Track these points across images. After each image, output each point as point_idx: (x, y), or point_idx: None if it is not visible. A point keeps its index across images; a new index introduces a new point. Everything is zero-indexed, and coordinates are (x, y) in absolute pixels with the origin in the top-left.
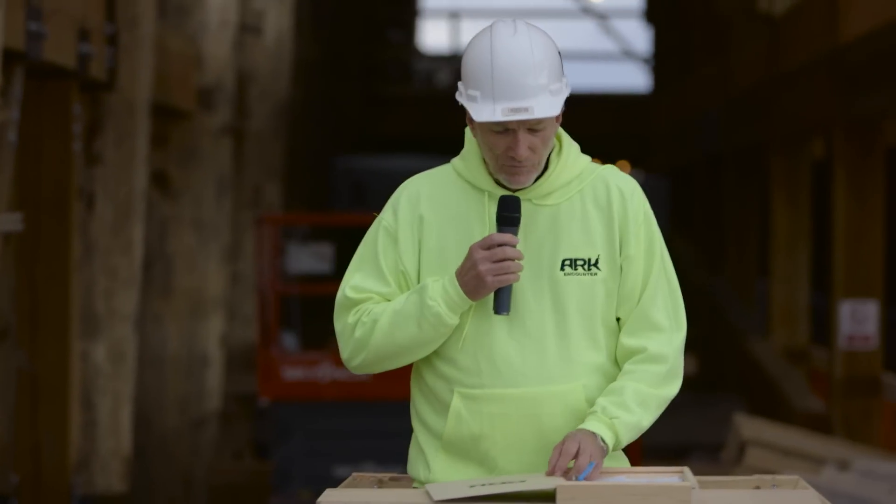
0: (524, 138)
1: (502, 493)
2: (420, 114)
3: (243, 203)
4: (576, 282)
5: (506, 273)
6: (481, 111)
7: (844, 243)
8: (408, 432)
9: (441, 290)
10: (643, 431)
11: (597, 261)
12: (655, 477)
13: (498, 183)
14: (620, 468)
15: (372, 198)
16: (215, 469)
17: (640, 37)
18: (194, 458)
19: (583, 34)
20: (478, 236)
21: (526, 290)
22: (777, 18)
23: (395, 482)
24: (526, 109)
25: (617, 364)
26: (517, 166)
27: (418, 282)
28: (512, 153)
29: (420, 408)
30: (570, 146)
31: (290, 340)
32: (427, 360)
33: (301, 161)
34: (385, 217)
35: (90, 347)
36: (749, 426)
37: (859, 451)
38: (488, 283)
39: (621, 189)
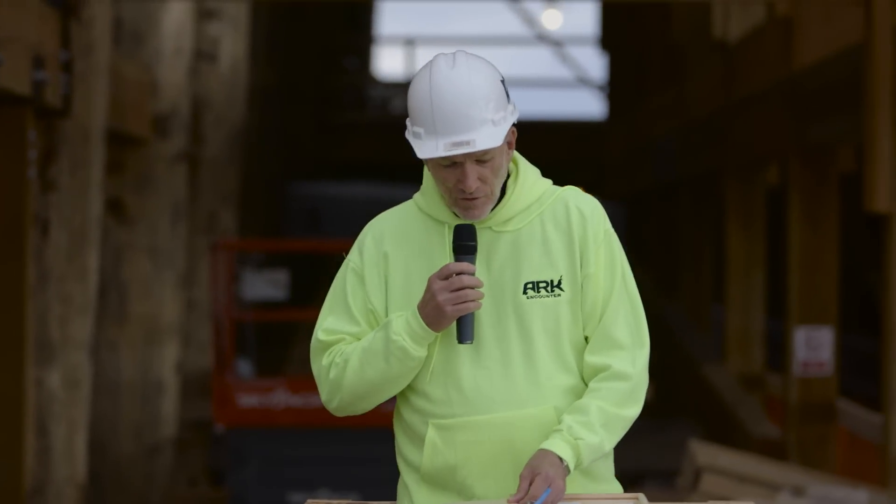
0: (472, 170)
1: None
2: (375, 140)
3: (198, 229)
4: (539, 304)
5: (464, 301)
6: (424, 147)
7: (799, 270)
8: (361, 459)
9: (405, 324)
10: (605, 454)
11: (559, 282)
12: (610, 503)
13: (457, 214)
14: (577, 494)
15: (327, 224)
16: (170, 496)
17: (595, 64)
18: (149, 484)
19: (538, 61)
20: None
21: (491, 316)
22: (731, 46)
23: None
24: (467, 143)
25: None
26: (469, 199)
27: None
28: (462, 186)
29: (401, 444)
30: (528, 170)
31: (245, 367)
32: (403, 395)
33: (256, 187)
34: (352, 258)
35: (45, 374)
36: (704, 452)
37: (814, 476)
38: (448, 313)
39: (580, 209)
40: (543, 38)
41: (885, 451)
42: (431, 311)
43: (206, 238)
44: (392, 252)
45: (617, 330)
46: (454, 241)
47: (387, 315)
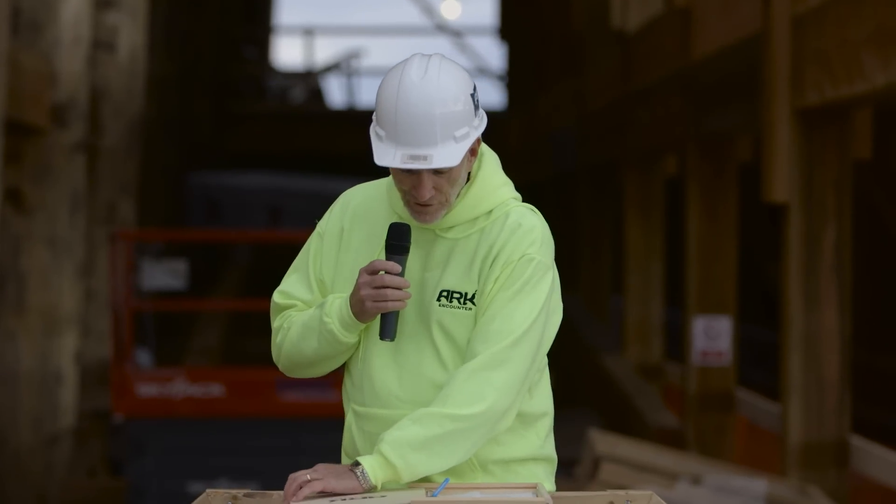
0: (428, 180)
1: None
2: (274, 130)
3: (97, 219)
4: (450, 314)
5: (384, 300)
6: (383, 154)
7: (698, 259)
8: (261, 449)
9: (337, 309)
10: (430, 445)
11: (472, 296)
12: (509, 493)
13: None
14: (476, 484)
15: (226, 214)
16: (69, 486)
17: (494, 54)
18: (48, 475)
19: (437, 51)
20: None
21: (414, 317)
22: (630, 36)
23: (248, 498)
24: (424, 158)
25: None
26: (422, 206)
27: (330, 293)
28: (415, 193)
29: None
30: (486, 180)
31: (144, 357)
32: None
33: (155, 177)
34: (321, 223)
35: None
36: (603, 441)
37: (713, 466)
38: (368, 308)
39: (512, 227)
40: (442, 28)
41: (784, 440)
42: (356, 304)
43: (105, 228)
44: (348, 228)
45: (477, 344)
46: (387, 239)
47: (332, 290)
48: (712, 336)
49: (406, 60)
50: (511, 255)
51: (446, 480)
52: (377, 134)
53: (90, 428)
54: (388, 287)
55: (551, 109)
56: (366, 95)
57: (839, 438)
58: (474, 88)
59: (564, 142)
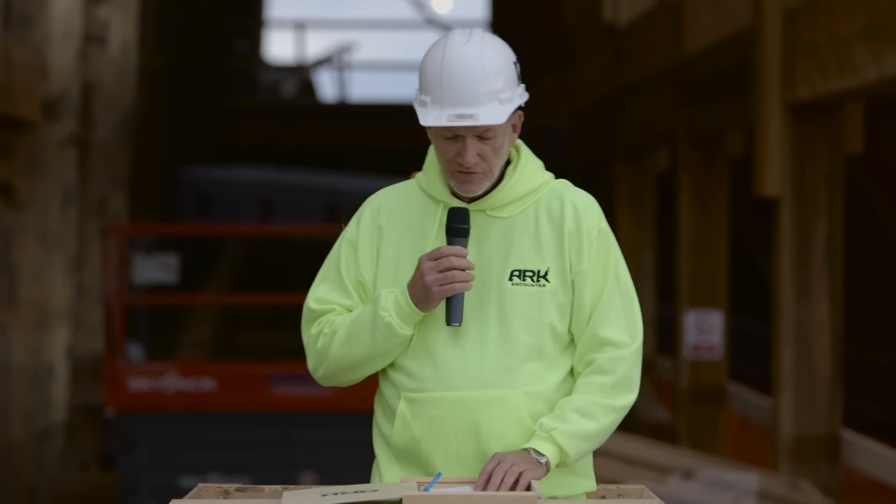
0: (472, 145)
1: (351, 503)
2: (265, 124)
3: (89, 213)
4: (524, 292)
5: (451, 282)
6: (427, 115)
7: (689, 253)
8: (252, 443)
9: (393, 301)
10: (596, 438)
11: (546, 273)
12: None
13: (454, 193)
14: (464, 478)
15: (217, 208)
16: (61, 480)
17: None
18: (40, 469)
19: (428, 46)
20: (431, 247)
21: (473, 299)
22: (621, 30)
23: (240, 493)
24: (470, 116)
25: (570, 377)
26: (465, 173)
27: (374, 292)
28: (460, 159)
29: (378, 419)
30: (529, 160)
31: (135, 351)
32: (383, 371)
33: (146, 171)
34: (349, 229)
35: None
36: None
37: (705, 460)
38: (434, 294)
39: (575, 204)
40: (433, 23)
41: (775, 434)
42: (419, 291)
43: (96, 222)
44: (387, 226)
45: (606, 330)
46: (448, 224)
47: (374, 288)
48: (704, 330)
49: (447, 34)
50: (590, 231)
51: (438, 474)
52: (421, 102)
53: (82, 422)
54: (454, 269)
55: (543, 103)
56: (357, 89)
57: (830, 432)
58: (516, 60)
59: (556, 136)
